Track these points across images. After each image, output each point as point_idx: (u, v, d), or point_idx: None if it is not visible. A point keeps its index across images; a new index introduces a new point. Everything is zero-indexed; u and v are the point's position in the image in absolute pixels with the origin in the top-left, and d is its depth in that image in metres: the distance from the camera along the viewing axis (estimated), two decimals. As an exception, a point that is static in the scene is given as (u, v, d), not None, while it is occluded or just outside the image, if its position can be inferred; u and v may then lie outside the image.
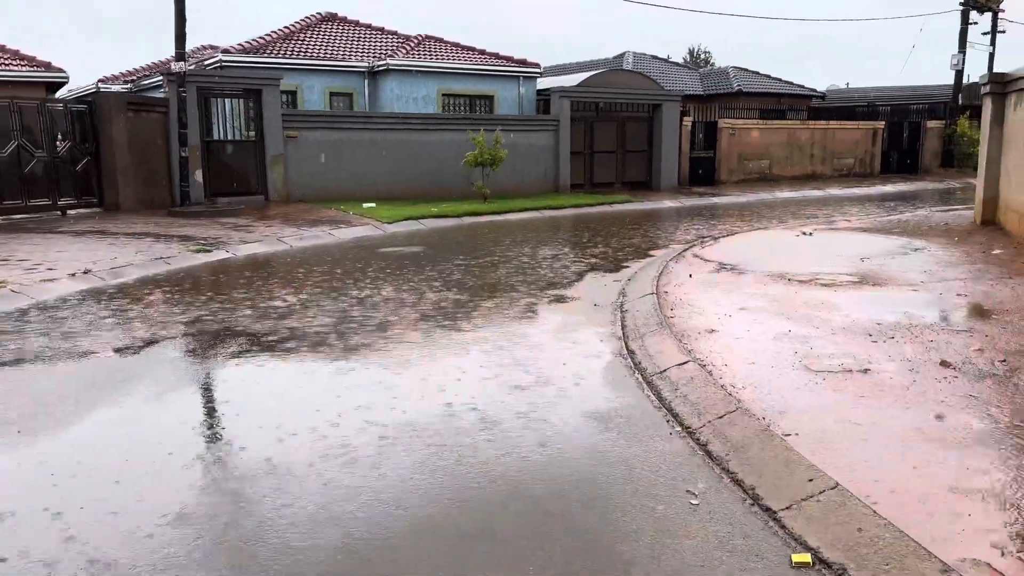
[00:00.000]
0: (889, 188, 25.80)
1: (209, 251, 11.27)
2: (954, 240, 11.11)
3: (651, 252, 11.38)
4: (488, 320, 7.10)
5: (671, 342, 5.56)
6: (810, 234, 12.18)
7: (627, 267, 10.06)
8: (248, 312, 7.48)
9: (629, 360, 5.65)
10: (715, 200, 21.39)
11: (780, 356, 5.22)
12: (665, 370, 5.05)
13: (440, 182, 20.00)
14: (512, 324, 6.94)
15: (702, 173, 25.62)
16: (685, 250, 10.44)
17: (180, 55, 16.51)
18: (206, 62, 21.56)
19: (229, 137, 18.34)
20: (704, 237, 12.78)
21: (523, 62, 24.09)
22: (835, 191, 24.51)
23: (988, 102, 11.48)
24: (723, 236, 12.20)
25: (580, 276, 9.49)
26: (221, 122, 18.54)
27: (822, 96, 34.04)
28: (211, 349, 6.20)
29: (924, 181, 28.32)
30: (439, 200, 18.94)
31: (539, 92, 24.39)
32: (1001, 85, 11.19)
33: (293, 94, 21.64)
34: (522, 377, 5.31)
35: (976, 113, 33.71)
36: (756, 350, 5.40)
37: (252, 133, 18.10)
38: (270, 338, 6.50)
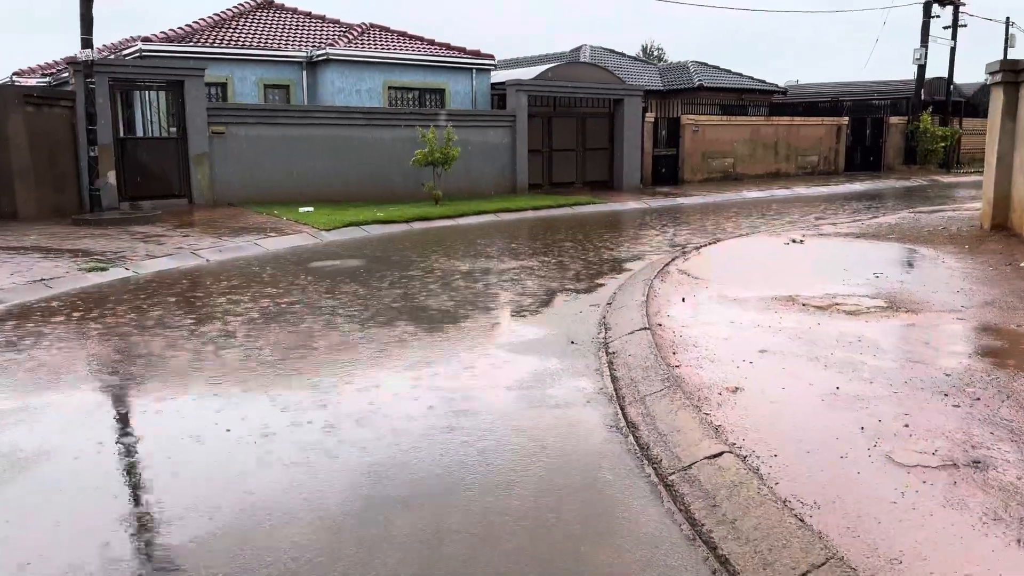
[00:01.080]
0: (857, 186, 24.84)
1: (104, 269, 9.45)
2: (965, 248, 9.85)
3: (627, 265, 9.90)
4: (425, 369, 5.49)
5: (688, 413, 4.04)
6: (801, 241, 10.83)
7: (603, 285, 8.56)
8: (90, 374, 5.76)
9: (632, 440, 4.11)
10: (682, 201, 20.07)
11: (844, 436, 3.74)
12: (690, 466, 3.51)
13: (387, 183, 18.31)
14: (460, 376, 5.35)
15: (665, 172, 24.34)
16: (668, 263, 8.97)
17: (87, 40, 14.50)
18: (125, 52, 19.51)
19: (153, 134, 16.44)
20: (683, 246, 11.36)
21: (476, 53, 22.50)
22: (802, 190, 23.44)
23: (998, 92, 10.26)
24: (706, 245, 10.77)
25: (548, 298, 7.95)
26: (144, 118, 16.62)
27: (784, 92, 33.11)
28: None
29: (890, 179, 27.49)
30: (386, 203, 17.25)
31: (494, 86, 22.84)
32: (1014, 74, 9.98)
33: (223, 86, 19.71)
34: (468, 480, 3.72)
35: (938, 108, 33.29)
36: (807, 425, 3.92)
37: (175, 129, 16.19)
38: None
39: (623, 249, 11.53)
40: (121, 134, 15.73)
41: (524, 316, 7.17)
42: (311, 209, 15.41)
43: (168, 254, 10.58)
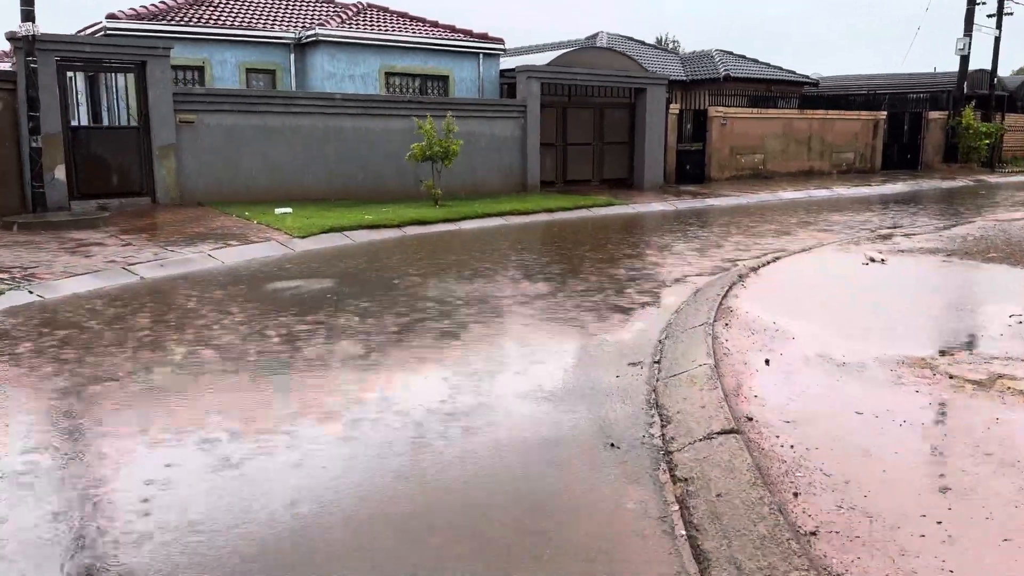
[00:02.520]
0: (900, 187, 22.60)
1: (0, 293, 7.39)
2: (1100, 274, 7.69)
3: (668, 293, 7.77)
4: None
5: None
6: (882, 261, 8.68)
7: (638, 324, 6.45)
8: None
9: None
10: (712, 202, 17.89)
11: None
12: None
13: (381, 180, 16.20)
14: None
15: (690, 169, 22.15)
16: (724, 294, 6.84)
17: (28, 13, 12.47)
18: (89, 31, 17.45)
19: (117, 123, 14.41)
20: (733, 263, 9.21)
21: (484, 36, 20.34)
22: (842, 191, 21.22)
23: None
24: (763, 264, 8.62)
25: (567, 349, 5.83)
26: (112, 106, 14.60)
27: (815, 83, 30.81)
28: None
29: (933, 179, 25.19)
30: (380, 203, 15.14)
31: (503, 73, 20.68)
32: None
33: (200, 70, 17.63)
34: None
35: (982, 103, 30.95)
36: None
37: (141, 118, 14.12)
38: None
39: (657, 267, 9.40)
40: (77, 122, 13.69)
41: (532, 380, 5.05)
42: (289, 211, 13.31)
43: (93, 270, 8.50)
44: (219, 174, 14.65)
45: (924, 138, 28.62)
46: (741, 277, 7.71)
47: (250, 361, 5.45)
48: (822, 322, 5.94)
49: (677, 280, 8.45)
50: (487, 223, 13.75)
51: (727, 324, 5.70)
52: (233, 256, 9.81)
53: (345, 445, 3.98)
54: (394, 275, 8.81)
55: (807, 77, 30.55)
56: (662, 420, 4.07)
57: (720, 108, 23.27)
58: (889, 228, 13.17)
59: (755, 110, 24.67)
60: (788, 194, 19.91)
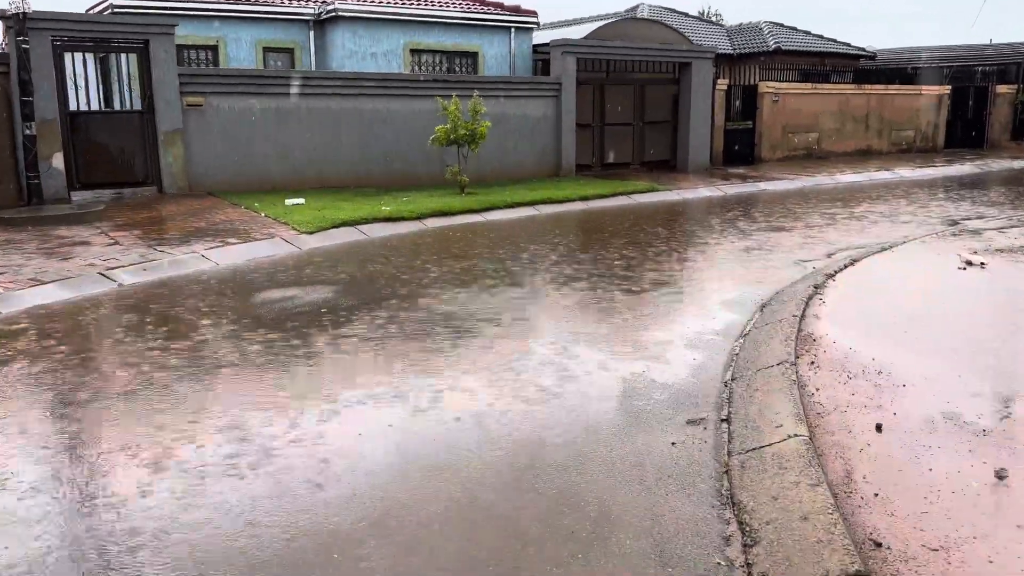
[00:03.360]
0: (968, 168, 20.78)
1: (-54, 308, 6.38)
2: None
3: (724, 305, 6.49)
4: None
5: None
6: (982, 265, 7.28)
7: (693, 356, 5.18)
8: None
9: None
10: (764, 187, 16.40)
11: None
12: None
13: (405, 167, 15.05)
14: None
15: (738, 149, 20.62)
16: (800, 314, 5.54)
17: (18, -13, 11.48)
18: (97, 8, 16.49)
19: (119, 107, 13.46)
20: (801, 264, 7.88)
21: (516, 9, 18.98)
22: (906, 172, 19.51)
23: None
24: (839, 270, 7.27)
25: (597, 397, 4.60)
26: (123, 90, 13.64)
27: (872, 56, 28.82)
28: None
29: (1002, 158, 23.24)
30: (402, 191, 14.01)
31: (536, 49, 19.32)
32: None
33: (214, 50, 16.59)
34: None
35: (1053, 76, 28.67)
36: None
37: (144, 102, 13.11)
38: None
39: (709, 273, 8.10)
40: (77, 107, 12.72)
41: (558, 448, 3.84)
42: (301, 201, 12.22)
43: (65, 276, 7.47)
44: (230, 161, 13.62)
45: (990, 114, 26.58)
46: (817, 288, 6.39)
47: (166, 439, 4.33)
48: (934, 357, 4.63)
49: (735, 289, 7.15)
50: (516, 213, 12.52)
51: (813, 362, 4.42)
52: (230, 256, 8.73)
53: None
54: (405, 282, 7.64)
55: (863, 50, 28.58)
56: (744, 536, 2.83)
57: (771, 83, 21.63)
58: (971, 218, 11.63)
59: (809, 85, 22.95)
60: (847, 177, 18.30)
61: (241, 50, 16.77)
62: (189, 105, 13.27)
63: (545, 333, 5.79)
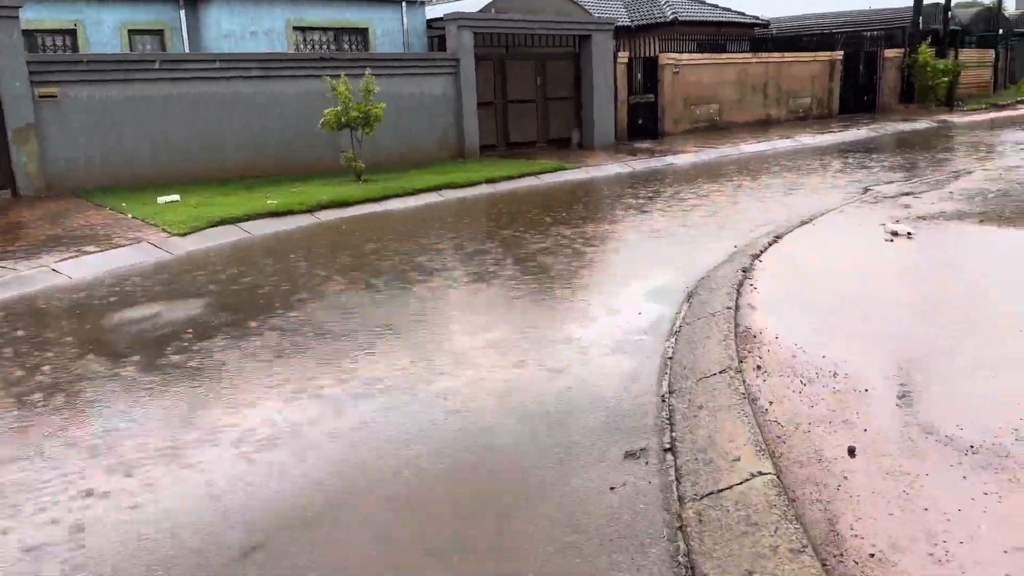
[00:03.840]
0: (866, 133, 21.04)
1: None
2: None
3: (648, 295, 5.88)
4: None
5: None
6: (909, 235, 6.93)
7: (624, 363, 4.53)
8: None
9: None
10: (672, 161, 16.03)
11: None
12: None
13: (295, 155, 13.94)
14: None
15: (642, 123, 20.26)
16: (734, 305, 4.96)
17: None
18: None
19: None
20: (725, 241, 7.37)
21: (406, -18, 17.95)
22: (806, 139, 19.56)
23: None
24: (765, 248, 6.76)
25: (525, 445, 3.89)
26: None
27: (766, 25, 29.03)
28: None
29: (895, 122, 23.70)
30: (293, 181, 12.94)
31: (430, 24, 18.39)
32: None
33: (72, 34, 14.98)
34: None
35: (937, 39, 29.59)
36: None
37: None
38: None
39: (628, 257, 7.50)
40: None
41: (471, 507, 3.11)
42: (176, 198, 11.02)
43: None
44: (95, 157, 12.24)
45: (880, 79, 27.20)
46: (745, 272, 5.85)
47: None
48: (890, 351, 4.11)
49: (659, 276, 6.56)
50: (419, 200, 11.67)
51: (759, 366, 3.83)
52: (86, 269, 7.58)
53: None
54: (290, 289, 6.73)
55: (757, 18, 28.76)
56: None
57: (671, 55, 21.32)
58: (881, 183, 11.48)
59: (708, 56, 22.80)
60: (751, 147, 18.16)
61: (103, 34, 15.21)
62: (42, 96, 11.81)
63: (451, 344, 5.04)
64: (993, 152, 15.15)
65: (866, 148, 17.57)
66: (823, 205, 9.56)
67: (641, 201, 11.01)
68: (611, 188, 12.77)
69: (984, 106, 28.18)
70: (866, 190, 10.81)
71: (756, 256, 6.37)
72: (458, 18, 15.89)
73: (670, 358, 4.36)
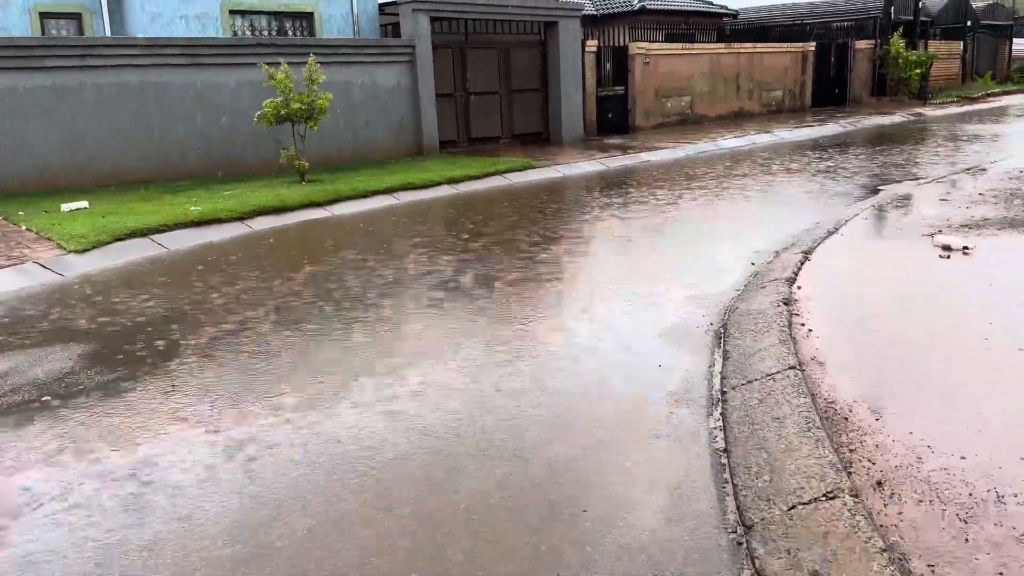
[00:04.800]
0: (844, 127, 20.05)
1: None
2: None
3: (662, 340, 4.56)
4: None
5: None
6: (965, 250, 5.69)
7: (661, 504, 3.19)
8: None
9: None
10: (648, 158, 14.76)
11: None
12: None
13: (230, 152, 12.37)
14: None
15: (612, 117, 18.98)
16: (797, 363, 3.63)
17: None
18: None
19: None
20: (741, 259, 6.07)
21: (355, -37, 16.38)
22: (784, 134, 18.47)
23: None
24: (794, 267, 5.48)
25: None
26: None
27: (734, 15, 27.96)
28: None
29: (870, 116, 22.78)
30: (228, 181, 11.41)
31: (383, 8, 16.86)
32: None
33: (-29, 15, 13.15)
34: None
35: (908, 30, 28.86)
36: None
37: None
38: None
39: (629, 281, 6.17)
40: None
41: None
42: (84, 204, 9.40)
43: None
44: (-10, 156, 10.54)
45: (852, 71, 26.35)
46: (787, 305, 4.53)
47: None
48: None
49: (667, 305, 5.23)
50: (370, 204, 10.22)
51: (880, 482, 2.49)
52: (-57, 299, 6.00)
53: None
54: (197, 328, 5.26)
55: (726, 8, 27.68)
56: None
57: (642, 44, 20.06)
58: (892, 183, 10.33)
59: (680, 45, 21.60)
60: (729, 142, 16.99)
61: (9, 16, 13.41)
62: (-75, 85, 10.09)
63: (378, 405, 3.65)
64: (993, 147, 14.16)
65: (851, 143, 16.52)
66: (837, 209, 8.35)
67: (623, 206, 9.70)
68: (586, 190, 11.44)
69: (956, 99, 27.51)
70: (875, 191, 9.64)
71: (791, 280, 5.07)
72: (412, 0, 14.40)
73: (724, 458, 3.01)
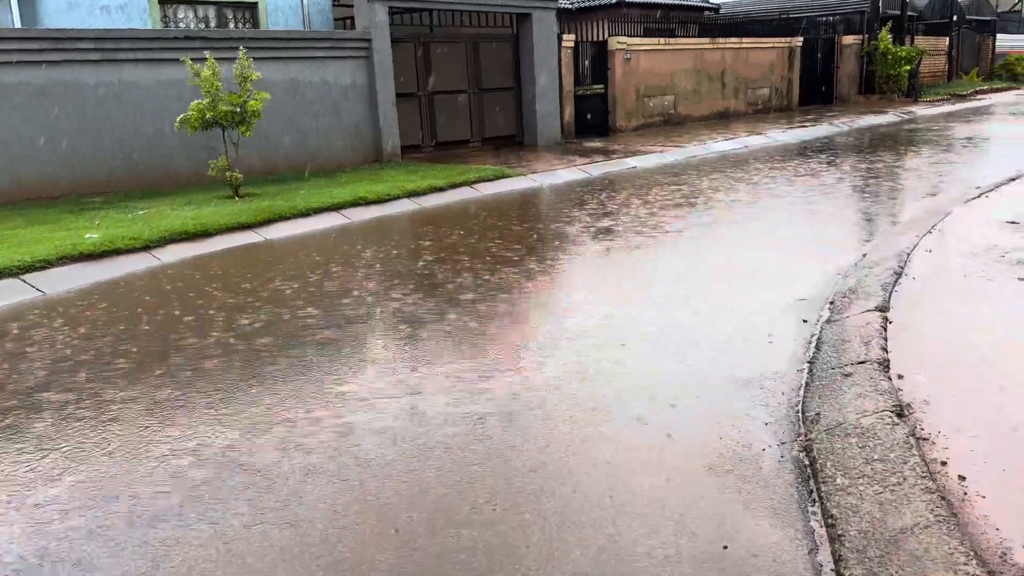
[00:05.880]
0: (839, 127, 18.69)
1: None
2: None
3: (706, 470, 3.00)
4: None
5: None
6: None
7: None
8: None
9: None
10: (635, 164, 13.22)
11: None
12: None
13: (152, 161, 10.63)
14: None
15: (591, 118, 17.46)
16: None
17: None
18: None
19: None
20: (795, 305, 4.54)
21: (305, -53, 14.65)
22: (777, 134, 17.05)
23: None
24: (872, 319, 3.96)
25: None
26: None
27: (716, 9, 26.59)
28: None
29: (862, 115, 21.47)
30: (148, 196, 9.70)
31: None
32: None
33: None
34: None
35: (897, 25, 27.68)
36: None
37: None
38: None
39: (626, 347, 4.61)
40: None
41: None
42: (-47, 232, 7.64)
43: None
44: None
45: (838, 67, 25.09)
46: (899, 416, 2.96)
47: None
48: None
49: (712, 425, 3.67)
50: (312, 225, 8.56)
51: None
52: None
53: None
54: (71, 402, 3.60)
55: (707, 1, 26.30)
56: None
57: (622, 38, 18.52)
58: (928, 198, 8.88)
59: (662, 40, 20.10)
60: (719, 144, 15.51)
61: None
62: None
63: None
64: (1018, 152, 12.82)
65: (853, 146, 15.12)
66: (878, 234, 6.87)
67: (618, 225, 8.14)
68: (568, 204, 9.87)
69: (946, 97, 26.38)
70: (913, 207, 8.17)
71: (883, 365, 3.51)
72: (369, -12, 12.72)
73: None
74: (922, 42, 30.41)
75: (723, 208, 8.78)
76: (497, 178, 11.35)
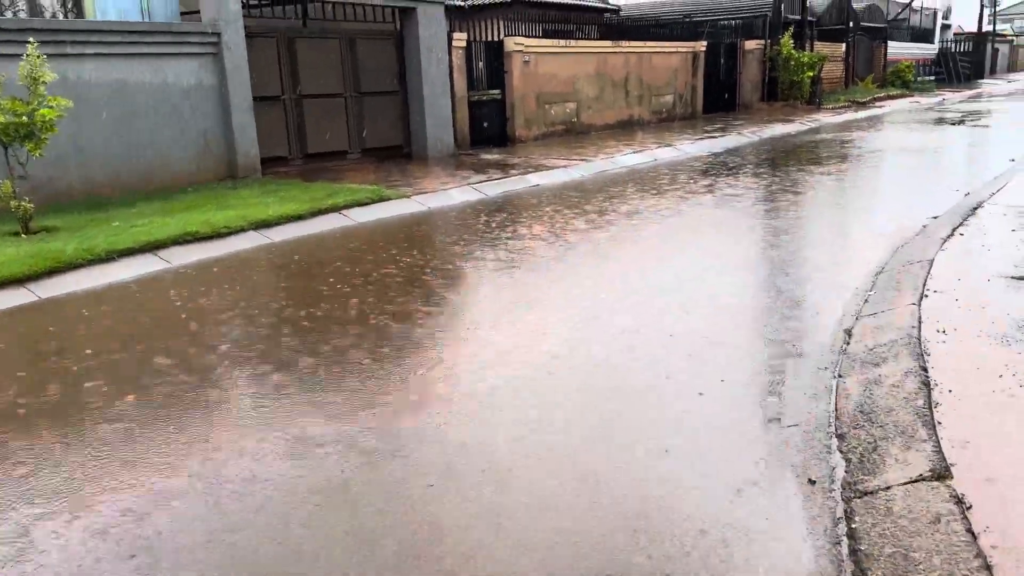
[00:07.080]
0: (748, 138, 17.63)
1: None
2: None
3: None
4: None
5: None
6: None
7: None
8: None
9: None
10: (536, 181, 11.56)
11: None
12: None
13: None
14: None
15: (488, 127, 15.75)
16: None
17: None
18: None
19: None
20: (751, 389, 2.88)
21: (144, -76, 12.29)
22: (687, 147, 15.77)
23: None
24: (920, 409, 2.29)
25: None
26: None
27: (616, 10, 25.39)
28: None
29: (770, 123, 20.57)
30: None
31: (187, -14, 12.85)
32: None
33: None
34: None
35: (798, 31, 27.16)
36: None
37: None
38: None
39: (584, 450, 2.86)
40: None
41: None
42: None
43: None
44: None
45: (742, 73, 24.33)
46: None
47: None
48: None
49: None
50: (117, 273, 6.47)
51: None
52: None
53: None
54: None
55: (607, 2, 25.07)
56: None
57: (520, 39, 16.89)
58: (882, 229, 7.54)
59: (564, 42, 18.59)
60: (628, 158, 14.05)
61: None
62: None
63: None
64: (942, 165, 11.87)
65: (769, 159, 13.97)
66: (846, 278, 5.39)
67: (523, 269, 6.41)
68: (462, 234, 8.09)
69: (847, 104, 26.09)
70: (866, 232, 6.78)
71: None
72: (217, -28, 10.57)
73: None
74: (821, 48, 30.14)
75: (639, 236, 7.18)
76: (373, 201, 9.44)
